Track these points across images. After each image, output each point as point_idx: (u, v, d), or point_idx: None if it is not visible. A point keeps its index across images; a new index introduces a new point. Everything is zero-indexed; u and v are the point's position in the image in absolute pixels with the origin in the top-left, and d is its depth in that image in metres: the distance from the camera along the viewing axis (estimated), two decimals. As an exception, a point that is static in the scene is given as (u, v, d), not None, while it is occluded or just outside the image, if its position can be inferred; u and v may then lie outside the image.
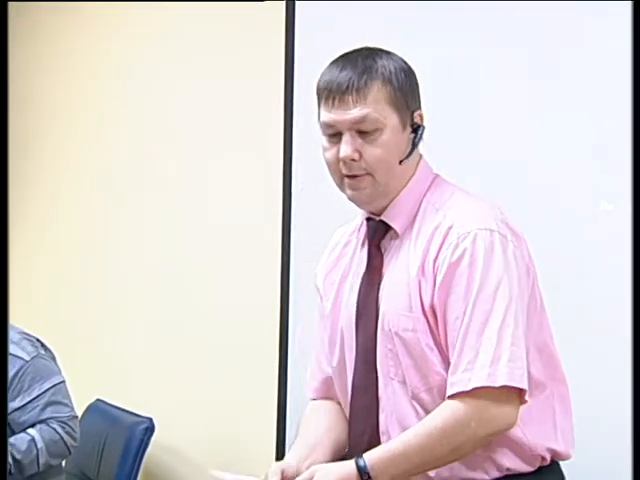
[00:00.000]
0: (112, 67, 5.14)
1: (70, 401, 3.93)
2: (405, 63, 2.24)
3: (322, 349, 2.44)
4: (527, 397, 2.03)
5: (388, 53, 2.24)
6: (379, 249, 2.24)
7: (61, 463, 4.02)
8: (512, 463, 2.13)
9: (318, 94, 2.20)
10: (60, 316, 5.18)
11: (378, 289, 2.24)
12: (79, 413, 4.11)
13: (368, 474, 2.01)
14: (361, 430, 2.27)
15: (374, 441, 2.20)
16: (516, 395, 2.00)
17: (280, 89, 4.11)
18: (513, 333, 2.02)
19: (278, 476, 2.22)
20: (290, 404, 4.03)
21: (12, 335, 3.91)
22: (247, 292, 4.42)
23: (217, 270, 4.59)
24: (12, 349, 3.86)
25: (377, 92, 2.13)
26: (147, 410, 4.27)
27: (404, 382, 2.17)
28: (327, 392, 2.44)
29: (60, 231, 5.47)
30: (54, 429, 3.81)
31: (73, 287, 5.30)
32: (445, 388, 2.06)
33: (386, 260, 2.24)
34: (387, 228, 2.22)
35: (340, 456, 2.33)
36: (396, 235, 2.21)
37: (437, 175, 2.29)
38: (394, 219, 2.20)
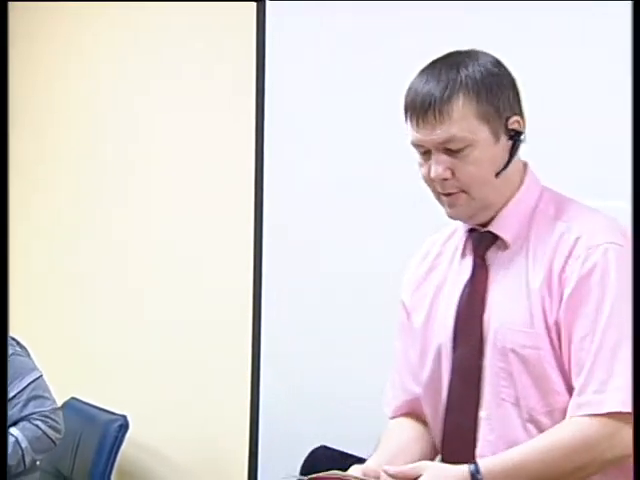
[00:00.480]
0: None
1: (50, 394, 3.98)
2: (496, 65, 2.13)
3: (407, 366, 2.33)
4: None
5: (476, 56, 2.12)
6: (484, 260, 2.17)
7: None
8: None
9: (404, 110, 2.11)
10: (34, 314, 5.20)
11: (483, 303, 2.16)
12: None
13: (477, 475, 1.94)
14: (454, 450, 2.19)
15: (468, 453, 2.12)
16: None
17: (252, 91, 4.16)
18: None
19: (359, 473, 2.18)
20: (263, 404, 4.10)
21: None
22: (220, 295, 4.44)
23: (192, 274, 4.60)
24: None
25: (462, 108, 2.04)
26: (121, 408, 4.28)
27: (517, 404, 2.09)
28: (410, 411, 2.36)
29: (38, 237, 5.48)
30: (36, 425, 3.85)
31: (49, 285, 5.34)
32: (566, 410, 2.00)
33: (492, 272, 2.18)
34: (494, 239, 2.15)
35: None
36: (505, 246, 2.14)
37: (544, 186, 2.22)
38: (503, 230, 2.13)
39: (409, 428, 2.33)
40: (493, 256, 2.14)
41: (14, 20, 4.96)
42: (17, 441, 3.84)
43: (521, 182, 2.12)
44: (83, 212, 5.27)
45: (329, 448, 3.77)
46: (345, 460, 3.42)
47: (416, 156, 2.10)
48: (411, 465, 1.98)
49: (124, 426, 4.16)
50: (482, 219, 2.11)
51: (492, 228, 2.10)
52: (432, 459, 2.26)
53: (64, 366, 4.72)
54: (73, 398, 4.47)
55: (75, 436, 4.26)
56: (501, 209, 2.10)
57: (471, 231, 2.16)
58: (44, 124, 5.56)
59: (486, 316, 2.09)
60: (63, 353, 4.95)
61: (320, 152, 4.11)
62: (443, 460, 2.18)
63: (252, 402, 4.17)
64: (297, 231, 4.18)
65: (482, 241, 2.14)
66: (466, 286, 2.16)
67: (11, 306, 4.79)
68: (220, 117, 4.59)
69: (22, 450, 3.84)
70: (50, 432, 3.90)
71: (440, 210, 2.16)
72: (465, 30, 3.53)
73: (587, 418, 1.91)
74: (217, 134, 4.59)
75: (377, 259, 3.81)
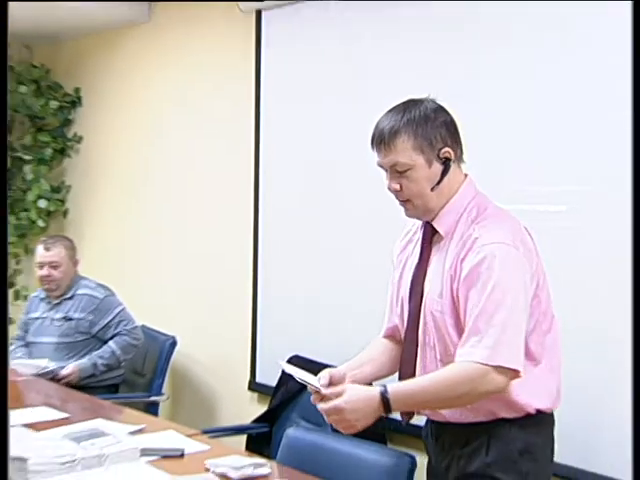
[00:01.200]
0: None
1: (132, 318, 4.86)
2: (434, 111, 2.40)
3: (391, 305, 2.68)
4: (522, 373, 2.25)
5: (421, 103, 2.42)
6: (430, 245, 2.47)
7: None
8: (505, 413, 2.38)
9: (370, 141, 2.44)
10: (114, 265, 6.01)
11: (424, 275, 2.46)
12: None
13: (388, 399, 2.25)
14: (403, 372, 2.53)
15: (410, 375, 2.49)
16: (510, 371, 2.22)
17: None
18: (515, 324, 2.24)
19: (326, 378, 2.48)
20: (260, 329, 4.92)
21: (89, 283, 4.90)
22: (229, 245, 5.14)
23: (212, 225, 5.25)
24: (91, 292, 4.83)
25: (402, 143, 2.35)
26: (171, 328, 5.16)
27: (434, 349, 2.43)
28: (391, 333, 2.69)
29: (113, 211, 6.20)
30: (124, 339, 4.78)
31: (122, 245, 6.08)
32: None
33: (432, 254, 2.46)
34: (436, 231, 2.45)
35: (377, 379, 2.63)
36: (441, 237, 2.43)
37: (478, 192, 2.46)
38: (440, 225, 2.43)
39: (383, 346, 2.68)
40: (436, 242, 2.45)
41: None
42: (113, 350, 4.74)
43: (457, 191, 2.42)
44: (148, 185, 5.87)
45: (301, 357, 4.31)
46: (315, 367, 3.67)
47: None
48: (335, 389, 2.32)
49: (174, 343, 5.06)
50: (427, 218, 2.44)
51: (434, 223, 2.43)
52: (391, 373, 2.65)
53: (134, 302, 5.22)
54: (143, 325, 5.15)
55: (144, 348, 5.06)
56: (440, 210, 2.41)
57: (426, 223, 2.48)
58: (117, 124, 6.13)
59: (425, 284, 2.44)
60: (134, 292, 5.49)
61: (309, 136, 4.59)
62: (399, 377, 2.54)
63: (253, 328, 4.96)
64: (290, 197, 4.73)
65: (429, 231, 2.47)
66: (418, 261, 2.50)
67: (97, 262, 5.74)
68: (226, 126, 5.18)
69: (117, 354, 4.74)
70: (134, 342, 4.82)
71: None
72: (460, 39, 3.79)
73: (465, 363, 2.25)
74: (224, 138, 5.22)
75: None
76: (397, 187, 2.39)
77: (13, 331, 4.80)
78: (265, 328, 4.97)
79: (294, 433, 3.07)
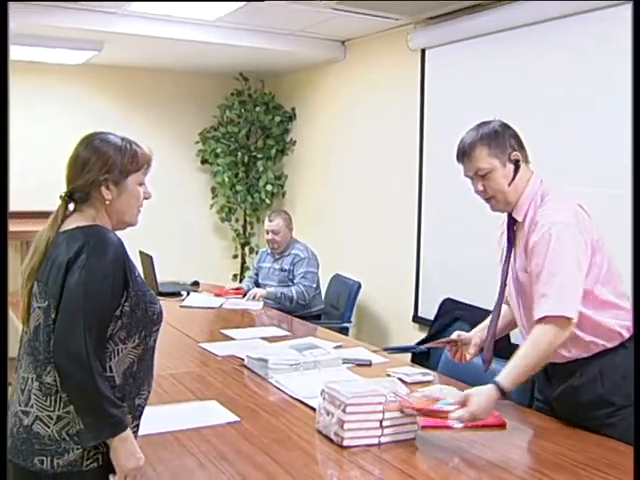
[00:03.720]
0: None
1: (314, 280, 4.77)
2: (501, 126, 2.29)
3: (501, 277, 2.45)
4: (575, 320, 2.08)
5: (490, 123, 2.30)
6: (514, 231, 2.34)
7: (321, 297, 4.98)
8: (609, 343, 2.23)
9: (455, 156, 2.33)
10: (317, 230, 5.93)
11: (513, 254, 2.35)
12: (327, 281, 5.29)
13: (502, 388, 2.05)
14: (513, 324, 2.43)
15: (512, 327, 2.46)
16: (569, 320, 2.08)
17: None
18: (570, 284, 2.10)
19: (455, 336, 2.51)
20: (421, 277, 4.89)
21: (300, 246, 4.86)
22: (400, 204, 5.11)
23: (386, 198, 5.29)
24: (298, 252, 4.82)
25: (480, 152, 2.25)
26: (358, 276, 5.19)
27: (525, 308, 2.31)
28: (507, 301, 2.47)
29: (316, 193, 6.21)
30: (299, 290, 4.72)
31: (322, 216, 6.08)
32: None
33: (516, 238, 2.33)
34: (516, 220, 2.32)
35: (500, 335, 2.48)
36: (520, 224, 2.31)
37: (542, 184, 2.29)
38: (517, 215, 2.30)
39: (503, 310, 2.47)
40: (517, 229, 2.33)
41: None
42: (292, 292, 4.68)
43: (527, 185, 2.29)
44: (340, 174, 5.89)
45: (452, 299, 4.39)
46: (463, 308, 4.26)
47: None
48: (459, 397, 2.07)
49: (359, 286, 5.10)
50: (508, 210, 2.32)
51: (513, 214, 2.31)
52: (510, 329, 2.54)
53: (332, 256, 5.48)
54: (337, 274, 5.39)
55: (339, 289, 5.18)
56: (517, 202, 2.29)
57: (509, 215, 2.35)
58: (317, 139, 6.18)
59: (511, 262, 2.35)
60: (332, 250, 5.60)
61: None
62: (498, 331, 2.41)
63: (416, 270, 4.91)
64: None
65: (512, 221, 2.34)
66: (507, 245, 2.38)
67: (306, 225, 5.64)
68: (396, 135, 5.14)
69: (290, 296, 4.68)
70: (302, 295, 4.69)
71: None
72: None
73: (539, 326, 2.11)
74: (395, 143, 5.15)
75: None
76: (481, 188, 2.28)
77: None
78: (425, 278, 4.96)
79: (450, 353, 3.01)
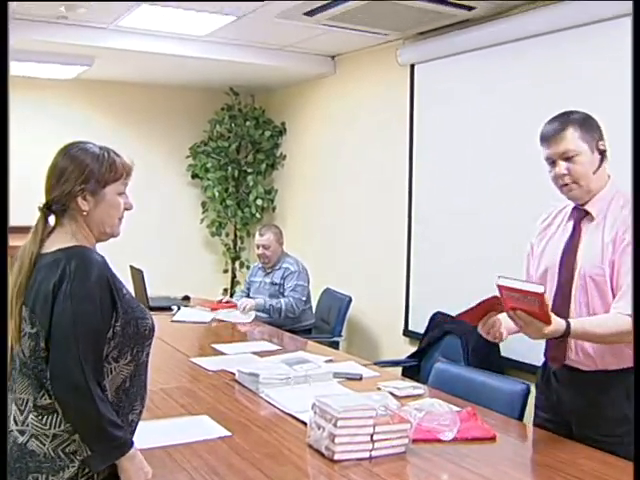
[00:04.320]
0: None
1: (304, 294, 4.73)
2: (587, 116, 2.27)
3: (526, 274, 2.46)
4: None
5: (577, 111, 2.29)
6: (580, 225, 2.29)
7: (312, 311, 4.92)
8: (609, 360, 2.21)
9: (540, 139, 2.29)
10: (307, 245, 5.86)
11: (577, 249, 2.27)
12: (317, 296, 5.22)
13: (569, 328, 2.07)
14: (561, 316, 2.17)
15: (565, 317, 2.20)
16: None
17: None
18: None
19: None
20: (411, 292, 4.87)
21: (290, 259, 4.84)
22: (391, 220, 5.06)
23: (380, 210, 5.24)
24: (289, 266, 4.79)
25: (571, 134, 2.22)
26: (348, 290, 5.17)
27: (587, 305, 2.23)
28: None
29: (306, 207, 6.18)
30: (288, 302, 4.67)
31: (312, 230, 6.04)
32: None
33: (583, 233, 2.28)
34: (587, 214, 2.28)
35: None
36: (592, 219, 2.26)
37: (617, 187, 2.28)
38: (593, 209, 2.26)
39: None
40: (585, 223, 2.28)
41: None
42: (280, 304, 4.64)
43: (606, 183, 2.27)
44: (329, 188, 5.82)
45: (442, 313, 4.33)
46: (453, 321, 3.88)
47: (546, 168, 2.28)
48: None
49: (350, 300, 5.04)
50: (585, 200, 2.27)
51: (587, 207, 2.27)
52: None
53: (323, 271, 5.50)
54: (327, 288, 5.36)
55: (327, 306, 5.17)
56: (594, 196, 2.25)
57: (575, 208, 2.32)
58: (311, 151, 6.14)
59: (577, 257, 2.25)
60: (323, 265, 5.61)
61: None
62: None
63: (407, 278, 4.92)
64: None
65: (580, 214, 2.30)
66: (569, 238, 2.30)
67: (295, 241, 5.54)
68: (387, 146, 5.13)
69: (279, 308, 4.63)
70: (291, 309, 4.67)
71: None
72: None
73: (623, 315, 2.10)
74: (384, 153, 5.17)
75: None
76: (565, 172, 2.23)
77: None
78: (415, 292, 4.96)
79: (441, 366, 3.06)
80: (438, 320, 4.44)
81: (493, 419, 2.39)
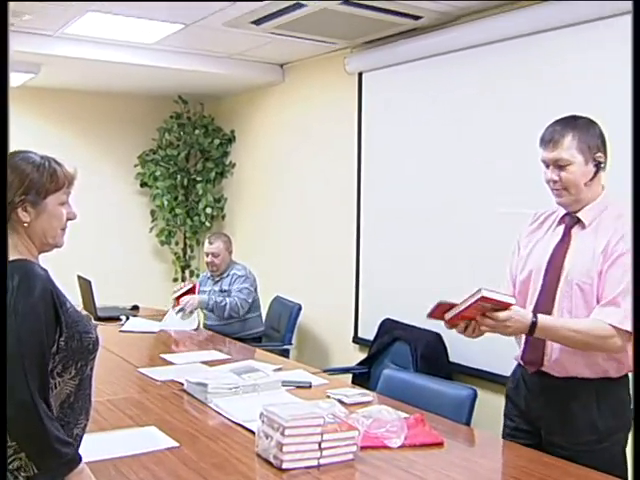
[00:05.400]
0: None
1: (248, 296, 4.69)
2: (590, 124, 2.24)
3: (510, 275, 2.43)
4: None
5: (580, 117, 2.25)
6: (570, 231, 2.28)
7: (261, 319, 4.91)
8: (615, 373, 2.20)
9: (540, 140, 2.26)
10: (257, 253, 5.84)
11: (565, 255, 2.25)
12: (267, 304, 5.16)
13: (535, 323, 2.10)
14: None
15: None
16: (629, 335, 2.06)
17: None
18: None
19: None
20: (361, 299, 4.86)
21: (238, 266, 4.80)
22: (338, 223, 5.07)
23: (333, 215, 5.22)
24: (237, 272, 4.74)
25: (568, 142, 2.19)
26: (298, 298, 5.14)
27: (570, 313, 2.21)
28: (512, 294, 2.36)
29: (255, 215, 6.13)
30: (233, 302, 4.63)
31: (262, 238, 5.97)
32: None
33: (572, 239, 2.26)
34: (578, 221, 2.26)
35: None
36: (583, 227, 2.24)
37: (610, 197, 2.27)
38: (585, 217, 2.24)
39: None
40: (575, 230, 2.27)
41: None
42: (225, 302, 4.60)
43: (599, 194, 2.25)
44: (279, 196, 5.81)
45: (391, 319, 4.38)
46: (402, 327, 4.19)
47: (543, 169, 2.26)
48: (505, 313, 2.09)
49: (300, 308, 4.97)
50: (574, 208, 2.26)
51: (579, 214, 2.25)
52: None
53: (272, 279, 5.45)
54: (277, 296, 5.32)
55: (277, 314, 5.13)
56: (587, 204, 2.24)
57: (566, 214, 2.30)
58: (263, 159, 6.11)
59: (565, 262, 2.23)
60: (272, 273, 5.56)
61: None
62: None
63: (356, 288, 4.90)
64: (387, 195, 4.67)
65: (571, 221, 2.28)
66: (558, 243, 2.28)
67: (244, 249, 5.46)
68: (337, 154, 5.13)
69: (223, 306, 4.60)
70: (235, 308, 4.61)
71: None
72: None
73: (602, 322, 2.10)
74: (333, 161, 5.17)
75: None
76: (556, 178, 2.22)
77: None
78: (364, 299, 4.96)
79: (389, 373, 3.08)
80: (387, 327, 4.44)
81: (441, 425, 2.41)
